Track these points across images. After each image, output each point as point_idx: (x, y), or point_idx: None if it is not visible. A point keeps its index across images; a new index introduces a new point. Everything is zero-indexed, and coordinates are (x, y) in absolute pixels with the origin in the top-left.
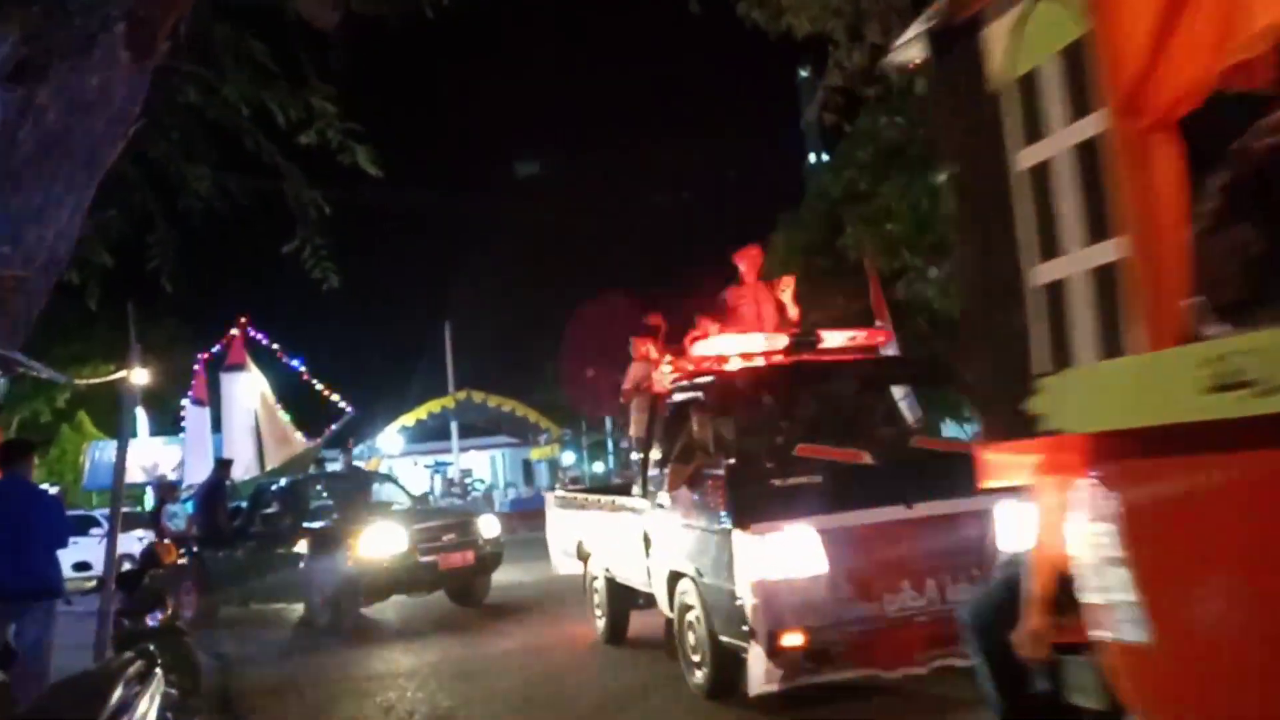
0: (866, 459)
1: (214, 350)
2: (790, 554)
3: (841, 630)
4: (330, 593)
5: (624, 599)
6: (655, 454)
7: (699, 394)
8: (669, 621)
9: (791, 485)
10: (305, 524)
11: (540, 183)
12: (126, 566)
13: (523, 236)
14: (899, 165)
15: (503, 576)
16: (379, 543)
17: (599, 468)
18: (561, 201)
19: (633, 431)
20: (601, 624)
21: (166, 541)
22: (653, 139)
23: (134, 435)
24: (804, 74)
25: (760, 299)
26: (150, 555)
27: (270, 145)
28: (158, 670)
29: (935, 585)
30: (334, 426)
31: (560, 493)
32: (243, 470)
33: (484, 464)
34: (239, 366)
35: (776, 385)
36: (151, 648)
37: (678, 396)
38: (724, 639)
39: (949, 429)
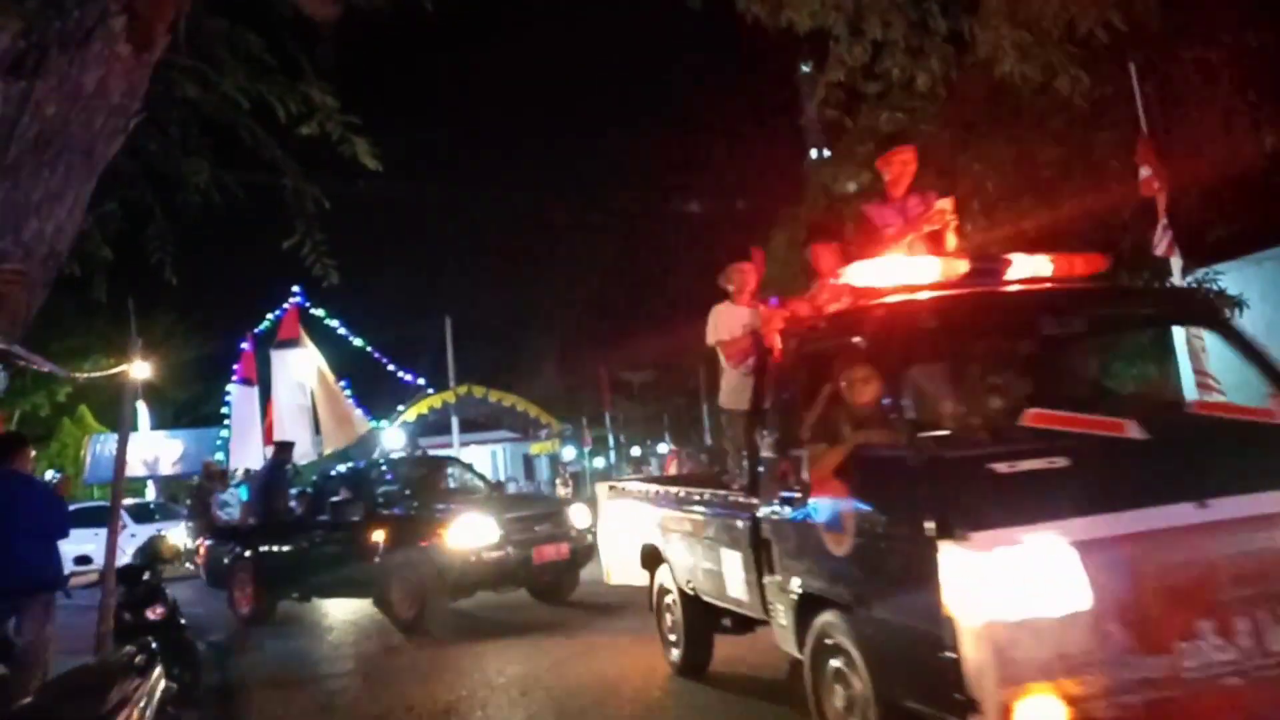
0: (1134, 431)
1: (262, 326)
2: (1036, 579)
3: (1118, 699)
4: (414, 588)
5: (708, 620)
6: (771, 432)
7: (858, 340)
8: (796, 664)
9: (1025, 472)
10: (380, 512)
11: (539, 176)
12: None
13: (522, 231)
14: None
15: None
16: (469, 533)
17: (599, 463)
18: (560, 195)
19: (726, 402)
20: (676, 653)
21: (164, 536)
22: (652, 133)
23: (134, 429)
24: (805, 69)
25: (912, 218)
26: (151, 550)
27: (269, 139)
28: (158, 664)
29: (1250, 627)
30: (402, 407)
31: (623, 483)
32: (299, 455)
33: (484, 459)
34: (292, 342)
35: (985, 323)
36: (152, 641)
37: (814, 348)
38: (910, 705)
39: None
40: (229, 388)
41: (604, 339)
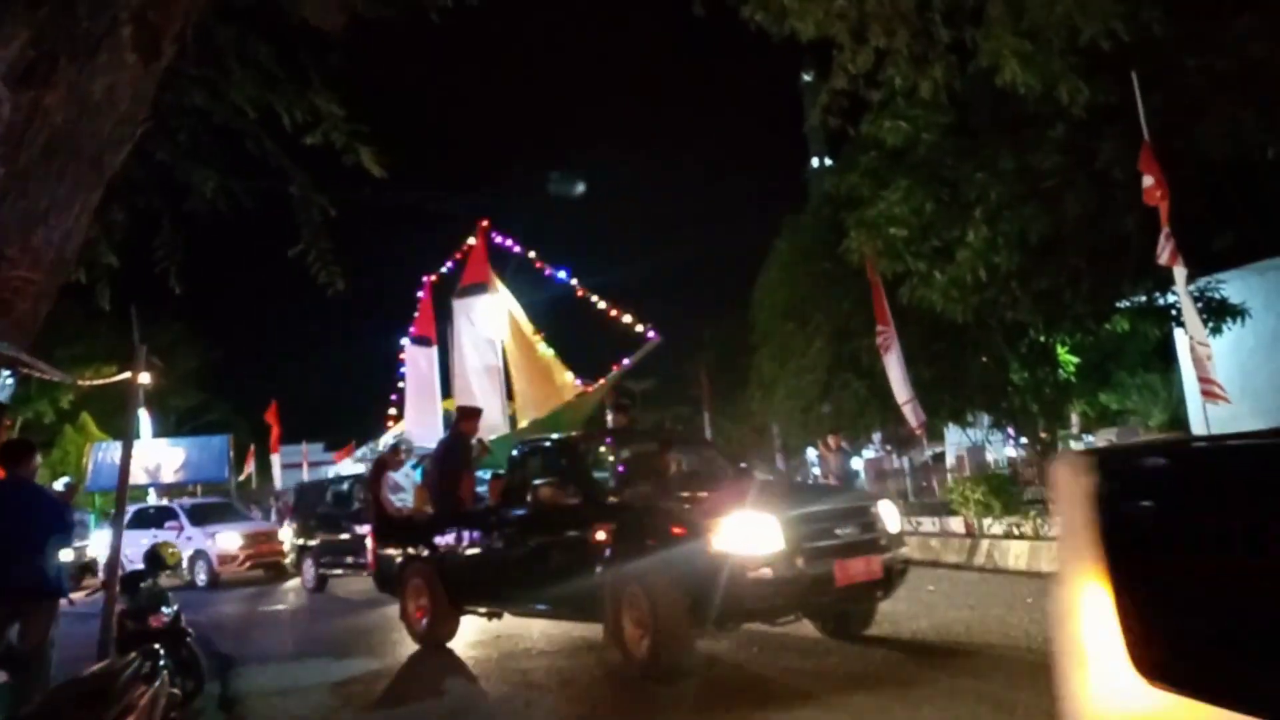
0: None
1: (442, 270)
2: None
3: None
4: (653, 613)
5: None
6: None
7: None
8: None
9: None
10: (603, 502)
11: (543, 184)
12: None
13: (525, 237)
14: (902, 169)
15: None
16: (742, 537)
17: None
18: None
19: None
20: None
21: (167, 543)
22: (655, 141)
23: (137, 437)
24: (808, 78)
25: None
26: (154, 557)
27: (276, 148)
28: (161, 671)
29: None
30: (627, 361)
31: None
32: (488, 427)
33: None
34: (479, 287)
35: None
36: (155, 648)
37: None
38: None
39: (952, 434)
40: (403, 343)
41: (608, 346)
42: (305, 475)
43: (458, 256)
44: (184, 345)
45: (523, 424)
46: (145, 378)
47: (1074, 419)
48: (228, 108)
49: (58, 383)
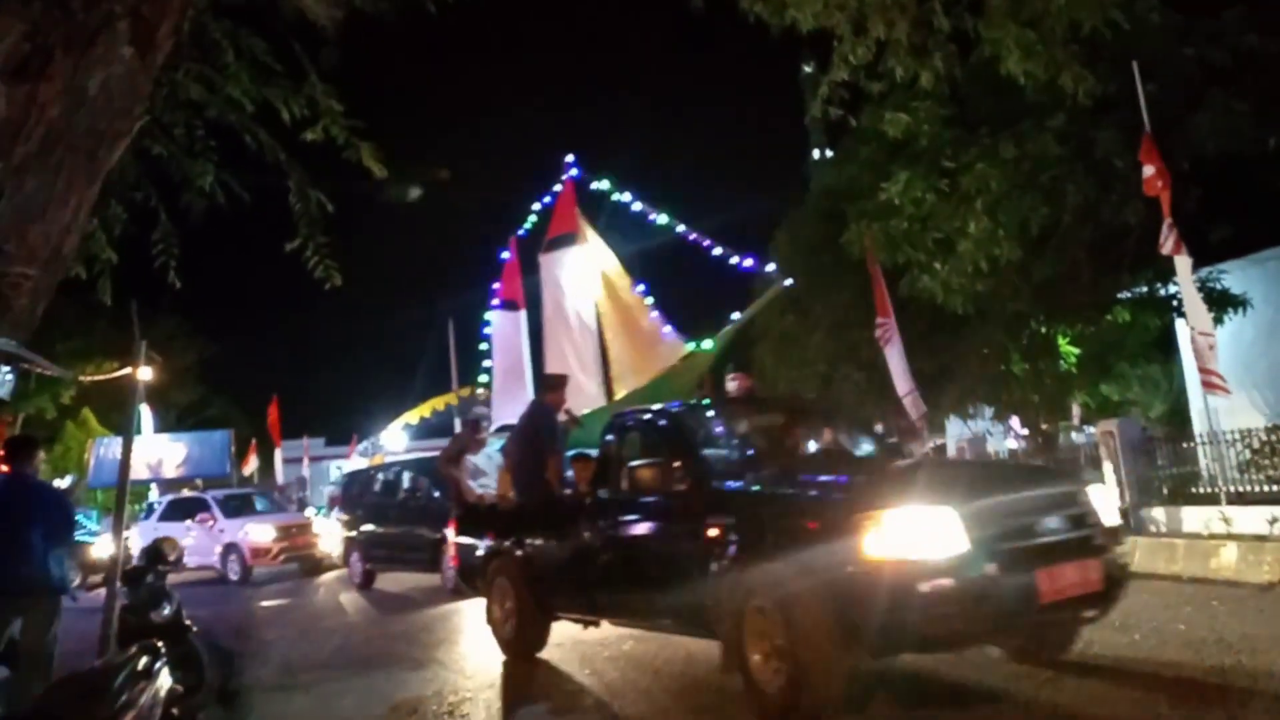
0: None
1: (527, 226)
2: None
3: None
4: (793, 635)
5: None
6: None
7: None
8: None
9: None
10: (720, 487)
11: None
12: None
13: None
14: (903, 161)
15: None
16: (912, 537)
17: None
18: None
19: None
20: None
21: (169, 538)
22: (655, 135)
23: (138, 432)
24: (807, 69)
25: None
26: (154, 552)
27: (273, 142)
28: (163, 666)
29: None
30: (738, 315)
31: None
32: (579, 400)
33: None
34: (567, 238)
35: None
36: (156, 643)
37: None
38: None
39: (953, 426)
40: (487, 317)
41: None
42: (306, 470)
43: (547, 205)
44: (184, 340)
45: (620, 394)
46: (146, 373)
47: (1075, 410)
48: (224, 102)
49: (58, 379)
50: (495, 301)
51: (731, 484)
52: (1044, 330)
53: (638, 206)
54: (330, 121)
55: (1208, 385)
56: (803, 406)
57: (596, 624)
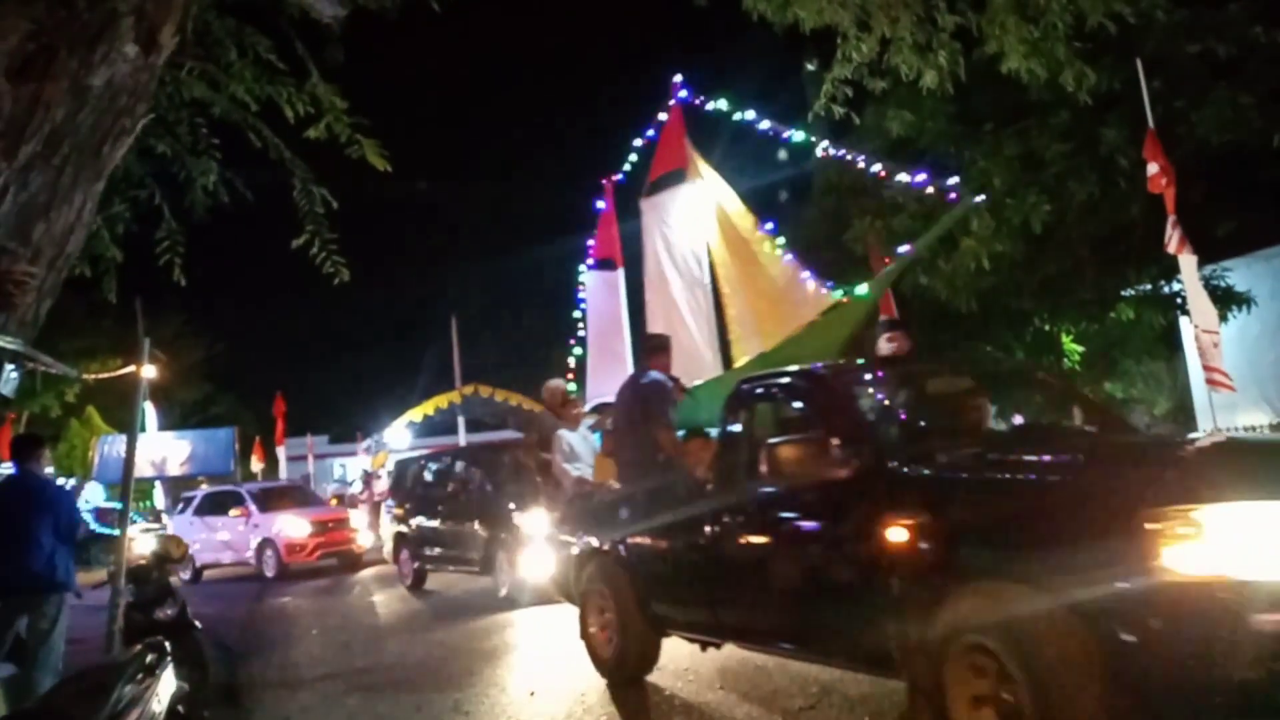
0: None
1: (626, 167)
2: None
3: None
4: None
5: None
6: None
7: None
8: None
9: None
10: (904, 471)
11: (543, 173)
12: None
13: (530, 229)
14: (905, 157)
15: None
16: (1245, 540)
17: None
18: (565, 192)
19: None
20: None
21: (175, 537)
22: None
23: (142, 430)
24: (810, 67)
25: None
26: (161, 551)
27: (276, 140)
28: (168, 663)
29: None
30: (908, 247)
31: None
32: (692, 369)
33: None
34: (674, 176)
35: None
36: (162, 641)
37: None
38: None
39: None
40: (581, 279)
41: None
42: (311, 468)
43: (649, 138)
44: (188, 338)
45: (741, 361)
46: (150, 370)
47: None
48: (227, 100)
49: (63, 376)
50: (588, 262)
51: (920, 469)
52: (1048, 328)
53: (765, 125)
54: (334, 119)
55: (1212, 382)
56: (986, 369)
57: (718, 646)
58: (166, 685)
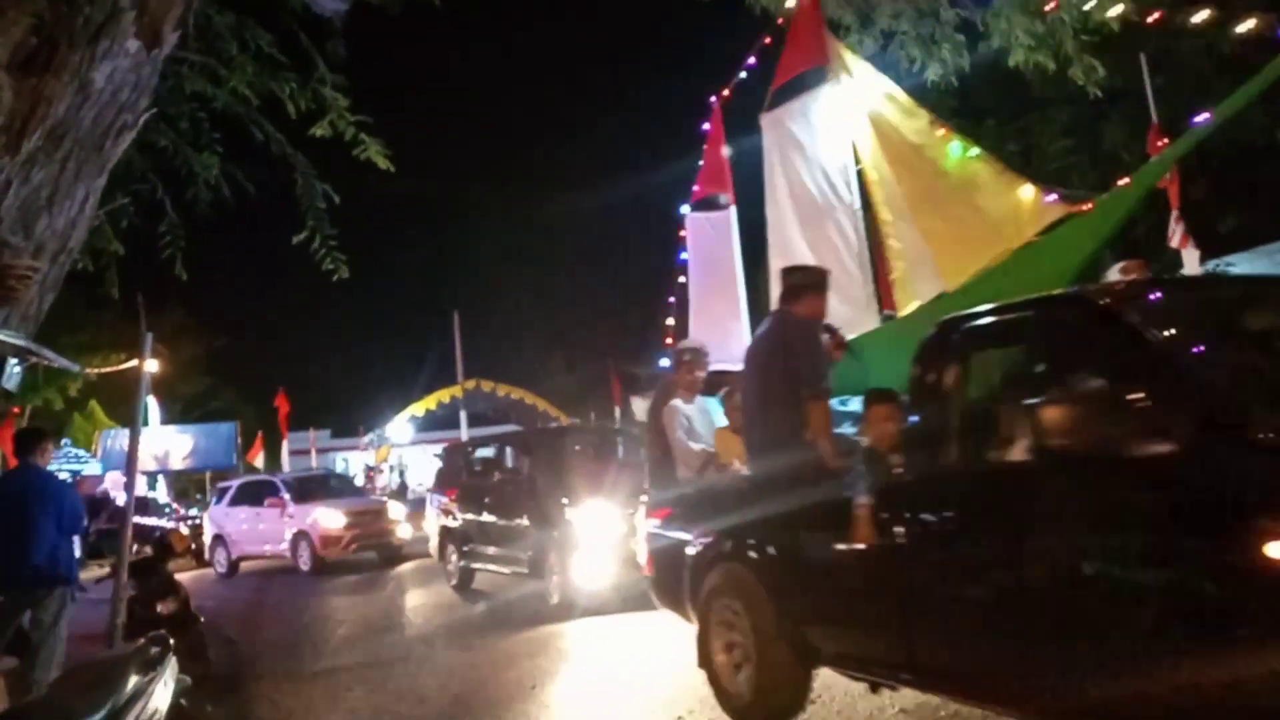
0: None
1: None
2: None
3: None
4: None
5: None
6: None
7: None
8: None
9: None
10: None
11: (547, 171)
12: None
13: (532, 225)
14: None
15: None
16: None
17: None
18: (568, 190)
19: None
20: None
21: (177, 530)
22: (658, 127)
23: (145, 424)
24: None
25: None
26: (163, 544)
27: (279, 135)
28: (171, 657)
29: None
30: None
31: None
32: (845, 319)
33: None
34: (811, 77)
35: None
36: (164, 635)
37: None
38: None
39: None
40: (685, 218)
41: (612, 332)
42: (314, 462)
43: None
44: (190, 332)
45: (909, 307)
46: (152, 365)
47: None
48: (229, 95)
49: (65, 371)
50: (689, 206)
51: None
52: None
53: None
54: (336, 115)
55: None
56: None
57: (894, 687)
58: (169, 679)
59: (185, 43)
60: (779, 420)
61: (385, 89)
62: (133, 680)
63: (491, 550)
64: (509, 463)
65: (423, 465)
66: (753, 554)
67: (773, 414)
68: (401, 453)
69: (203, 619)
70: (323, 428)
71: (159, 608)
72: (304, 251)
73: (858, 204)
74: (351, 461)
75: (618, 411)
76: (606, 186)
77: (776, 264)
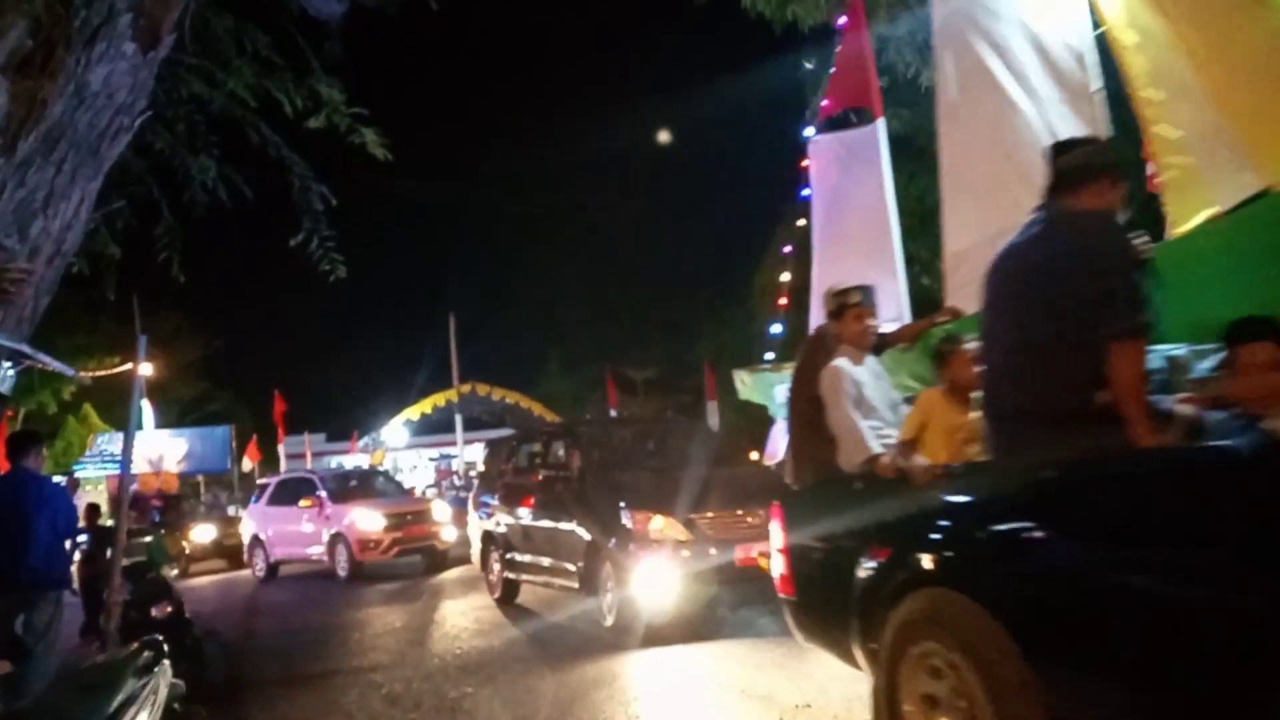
0: None
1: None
2: None
3: None
4: None
5: None
6: None
7: None
8: None
9: None
10: None
11: (543, 174)
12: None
13: (527, 229)
14: (905, 157)
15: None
16: None
17: None
18: (564, 193)
19: None
20: None
21: (171, 534)
22: (657, 130)
23: (139, 427)
24: (809, 66)
25: None
26: (157, 548)
27: (275, 137)
28: (165, 661)
29: None
30: None
31: None
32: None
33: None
34: None
35: None
36: (159, 639)
37: None
38: None
39: None
40: (809, 142)
41: (608, 335)
42: (310, 466)
43: None
44: (185, 335)
45: (1195, 218)
46: (147, 368)
47: None
48: (226, 97)
49: (60, 374)
50: (808, 131)
51: None
52: None
53: None
54: (332, 110)
55: None
56: None
57: None
58: (163, 683)
59: (182, 45)
60: (1053, 373)
61: (382, 89)
62: (128, 685)
63: (536, 560)
64: (555, 459)
65: (419, 469)
66: (985, 581)
67: (1041, 365)
68: (396, 456)
69: (196, 623)
70: (318, 431)
71: (153, 611)
72: (300, 256)
73: (1097, 82)
74: (346, 465)
75: (614, 414)
76: (605, 187)
77: (953, 199)
